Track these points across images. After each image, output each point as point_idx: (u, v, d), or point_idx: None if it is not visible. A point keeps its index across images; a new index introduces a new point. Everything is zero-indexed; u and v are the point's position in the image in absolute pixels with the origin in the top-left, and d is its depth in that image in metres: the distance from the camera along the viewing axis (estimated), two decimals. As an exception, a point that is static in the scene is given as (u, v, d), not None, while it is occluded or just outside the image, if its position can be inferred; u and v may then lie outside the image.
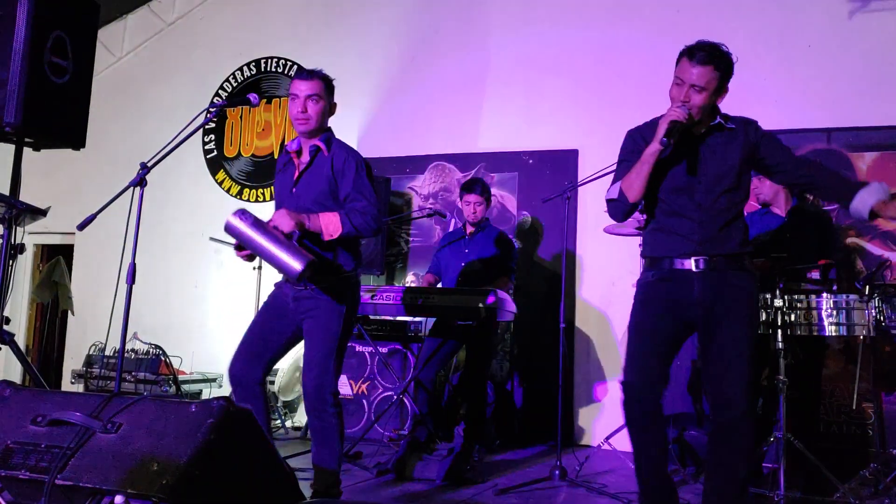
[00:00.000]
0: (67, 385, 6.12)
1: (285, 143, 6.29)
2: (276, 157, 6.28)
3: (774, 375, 3.22)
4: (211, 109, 3.04)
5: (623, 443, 4.29)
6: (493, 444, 4.76)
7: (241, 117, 6.51)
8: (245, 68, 6.52)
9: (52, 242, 7.03)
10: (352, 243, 2.93)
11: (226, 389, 5.59)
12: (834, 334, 3.34)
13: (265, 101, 6.32)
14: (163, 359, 5.31)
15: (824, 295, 3.29)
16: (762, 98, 4.68)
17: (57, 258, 6.34)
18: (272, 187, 6.10)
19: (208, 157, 6.57)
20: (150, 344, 5.40)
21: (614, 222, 2.96)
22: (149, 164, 2.74)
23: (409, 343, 4.89)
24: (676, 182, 2.61)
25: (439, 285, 4.49)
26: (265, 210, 4.70)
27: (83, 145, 3.36)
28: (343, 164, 2.86)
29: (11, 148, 3.20)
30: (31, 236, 6.71)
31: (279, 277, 2.95)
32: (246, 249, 2.78)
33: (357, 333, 4.70)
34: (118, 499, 1.77)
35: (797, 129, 4.68)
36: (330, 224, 2.78)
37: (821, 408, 4.10)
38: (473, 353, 4.27)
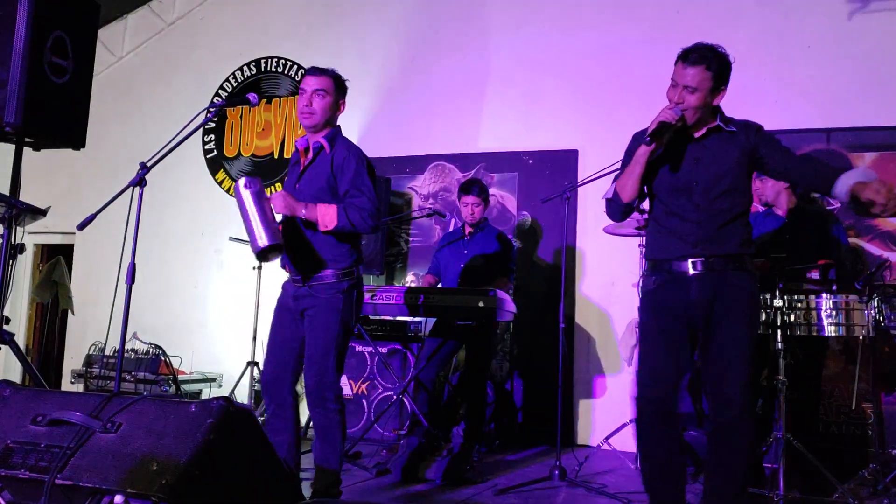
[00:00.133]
0: (67, 385, 6.12)
1: (286, 142, 6.40)
2: (275, 156, 6.31)
3: (774, 376, 3.22)
4: (211, 109, 3.05)
5: (623, 443, 4.30)
6: (492, 443, 4.76)
7: (241, 117, 6.51)
8: (245, 68, 6.52)
9: (52, 242, 7.03)
10: (350, 239, 2.92)
11: (226, 389, 5.60)
12: (833, 334, 3.34)
13: (265, 100, 6.32)
14: (163, 358, 5.31)
15: (824, 295, 3.29)
16: (762, 98, 4.68)
17: (57, 258, 6.34)
18: (272, 187, 6.12)
19: (208, 156, 6.57)
20: (150, 344, 5.40)
21: (613, 222, 2.97)
22: (149, 164, 2.74)
23: (408, 343, 4.89)
24: (675, 183, 2.62)
25: (439, 286, 4.50)
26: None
27: (83, 145, 3.36)
28: (343, 162, 2.88)
29: (11, 148, 3.20)
30: (31, 236, 6.71)
31: (278, 278, 2.95)
32: None
33: (357, 333, 4.71)
34: (118, 498, 1.77)
35: (797, 129, 4.68)
36: (326, 215, 2.81)
37: (820, 408, 4.10)
38: (473, 353, 4.27)
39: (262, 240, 2.75)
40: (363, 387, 4.90)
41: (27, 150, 3.27)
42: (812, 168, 2.64)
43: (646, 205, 2.84)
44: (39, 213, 3.07)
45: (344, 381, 4.85)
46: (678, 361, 2.61)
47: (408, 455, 3.79)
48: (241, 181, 2.86)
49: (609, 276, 5.09)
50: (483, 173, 5.51)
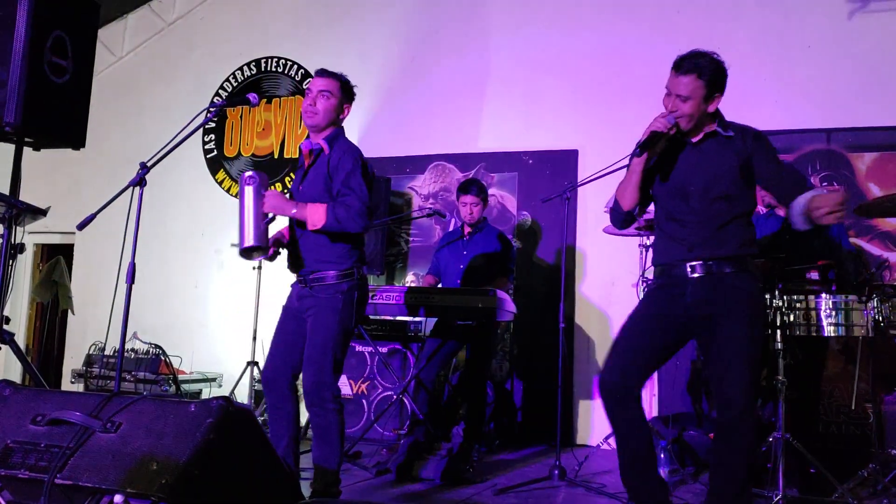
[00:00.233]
0: (67, 384, 6.13)
1: (286, 142, 6.41)
2: (275, 156, 6.31)
3: (774, 376, 3.22)
4: (211, 109, 3.05)
5: (622, 443, 4.30)
6: (492, 443, 4.76)
7: (241, 117, 6.51)
8: (245, 68, 6.52)
9: (52, 242, 7.03)
10: (350, 240, 2.92)
11: (226, 389, 5.60)
12: (833, 335, 3.35)
13: (265, 100, 6.31)
14: (163, 358, 5.31)
15: (823, 295, 3.29)
16: (762, 98, 4.69)
17: (57, 258, 6.34)
18: (272, 187, 6.12)
19: (208, 156, 6.57)
20: (150, 343, 5.40)
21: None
22: (148, 164, 2.74)
23: (408, 343, 4.89)
24: (673, 188, 2.65)
25: (439, 286, 4.50)
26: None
27: (83, 145, 3.36)
28: (338, 162, 2.90)
29: (11, 148, 3.20)
30: (31, 236, 6.71)
31: (278, 278, 2.97)
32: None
33: (357, 333, 4.71)
34: (117, 498, 1.77)
35: (797, 129, 4.68)
36: (314, 214, 2.83)
37: (820, 408, 4.10)
38: (473, 352, 4.27)
39: (248, 240, 2.82)
40: (363, 387, 4.91)
41: (27, 150, 3.27)
42: (790, 184, 2.61)
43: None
44: (39, 212, 3.07)
45: (344, 380, 4.85)
46: (647, 354, 2.62)
47: (405, 453, 3.80)
48: (246, 174, 2.93)
49: (609, 277, 5.09)
50: (483, 173, 5.51)
